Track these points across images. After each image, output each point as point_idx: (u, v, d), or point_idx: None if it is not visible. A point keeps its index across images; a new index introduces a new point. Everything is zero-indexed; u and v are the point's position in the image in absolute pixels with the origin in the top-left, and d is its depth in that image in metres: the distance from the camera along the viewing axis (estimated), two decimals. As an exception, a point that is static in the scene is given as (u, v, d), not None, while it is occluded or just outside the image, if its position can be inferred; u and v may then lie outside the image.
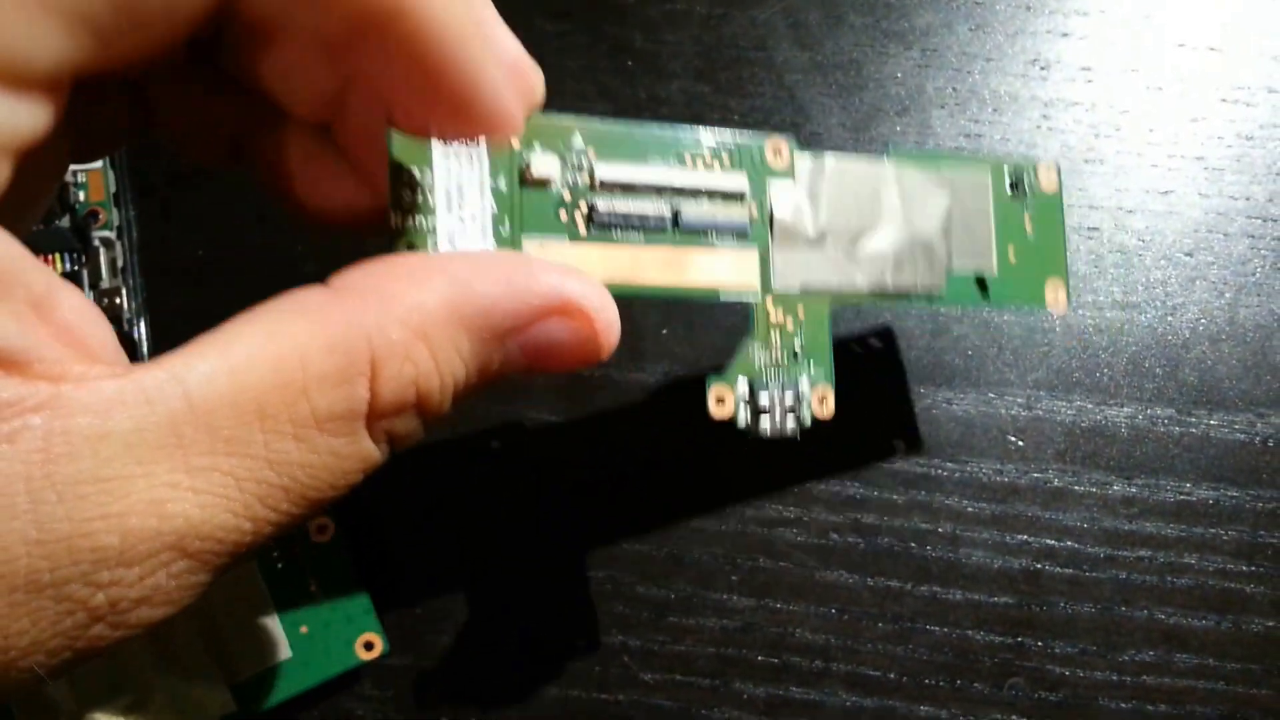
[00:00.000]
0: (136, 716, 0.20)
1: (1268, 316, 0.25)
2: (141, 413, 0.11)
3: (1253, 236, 0.25)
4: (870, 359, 0.24)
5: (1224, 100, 0.26)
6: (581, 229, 0.16)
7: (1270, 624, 0.23)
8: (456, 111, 0.14)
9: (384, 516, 0.23)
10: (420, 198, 0.15)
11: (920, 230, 0.19)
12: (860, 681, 0.23)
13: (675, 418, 0.24)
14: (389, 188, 0.14)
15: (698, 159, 0.17)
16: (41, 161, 0.13)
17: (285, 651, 0.21)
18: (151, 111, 0.16)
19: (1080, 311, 0.25)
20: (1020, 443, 0.24)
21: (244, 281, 0.25)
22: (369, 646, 0.22)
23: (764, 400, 0.17)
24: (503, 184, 0.15)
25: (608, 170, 0.16)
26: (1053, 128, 0.25)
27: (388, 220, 0.15)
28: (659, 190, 0.17)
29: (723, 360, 0.24)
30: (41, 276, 0.12)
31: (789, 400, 0.17)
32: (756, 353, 0.18)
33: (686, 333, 0.24)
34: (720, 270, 0.17)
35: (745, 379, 0.17)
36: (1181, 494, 0.24)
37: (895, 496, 0.24)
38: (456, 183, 0.15)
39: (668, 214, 0.17)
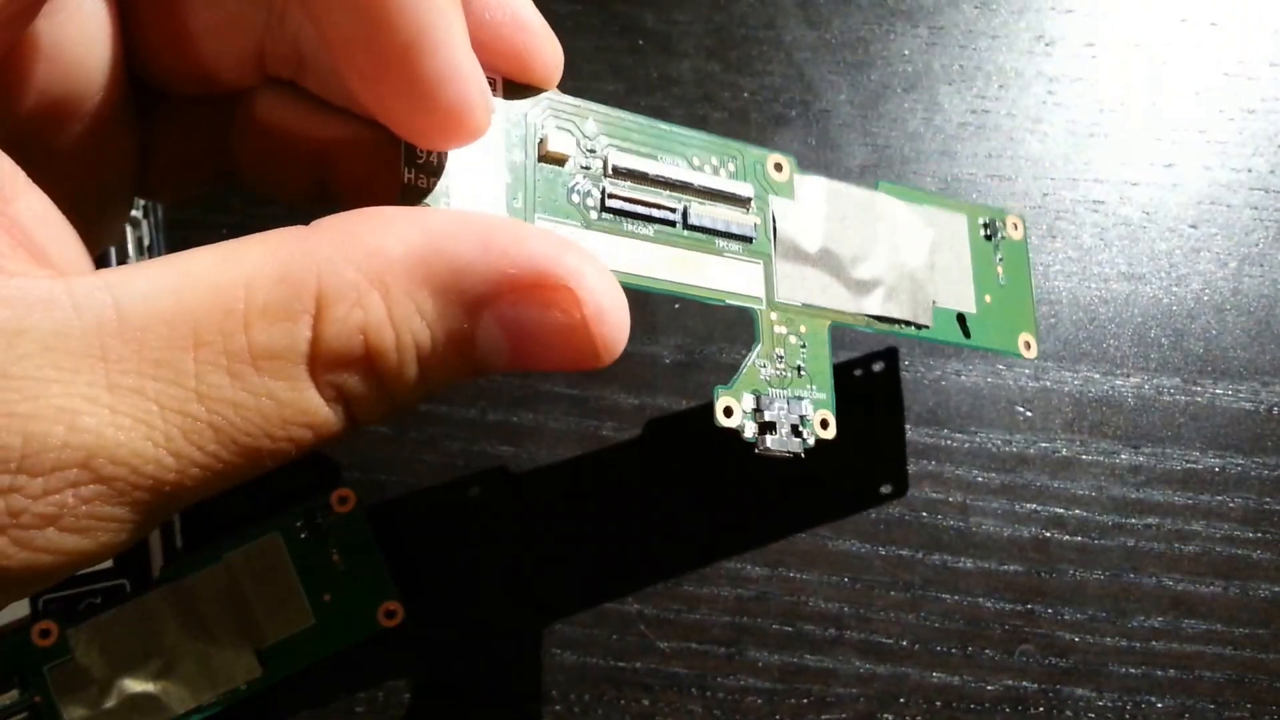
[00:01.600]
0: (166, 682, 0.21)
1: (1271, 286, 0.25)
2: (65, 316, 0.10)
3: (1255, 208, 0.25)
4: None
5: (1226, 74, 0.26)
6: (594, 215, 0.16)
7: (1277, 589, 0.23)
8: (400, 90, 0.12)
9: (403, 487, 0.24)
10: (434, 158, 0.14)
11: (908, 263, 0.19)
12: (873, 649, 0.23)
13: (689, 393, 0.24)
14: (403, 145, 0.14)
15: (705, 164, 0.17)
16: (86, 165, 0.13)
17: (309, 619, 0.22)
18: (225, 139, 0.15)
19: (1087, 283, 0.25)
20: (1028, 413, 0.24)
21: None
22: (390, 614, 0.22)
23: (769, 416, 0.17)
24: (518, 156, 0.15)
25: (622, 158, 0.16)
26: (1058, 102, 0.26)
27: (399, 175, 0.14)
28: (669, 185, 0.17)
29: (734, 335, 0.24)
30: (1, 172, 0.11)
31: (794, 418, 0.17)
32: (762, 366, 0.17)
33: (700, 306, 0.25)
34: (727, 276, 0.17)
35: (752, 394, 0.17)
36: (1188, 462, 0.24)
37: (906, 466, 0.24)
38: (476, 149, 0.14)
39: (678, 210, 0.17)
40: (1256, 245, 0.25)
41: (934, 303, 0.20)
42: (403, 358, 0.12)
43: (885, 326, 0.19)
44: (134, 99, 0.15)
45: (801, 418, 0.18)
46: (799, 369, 0.18)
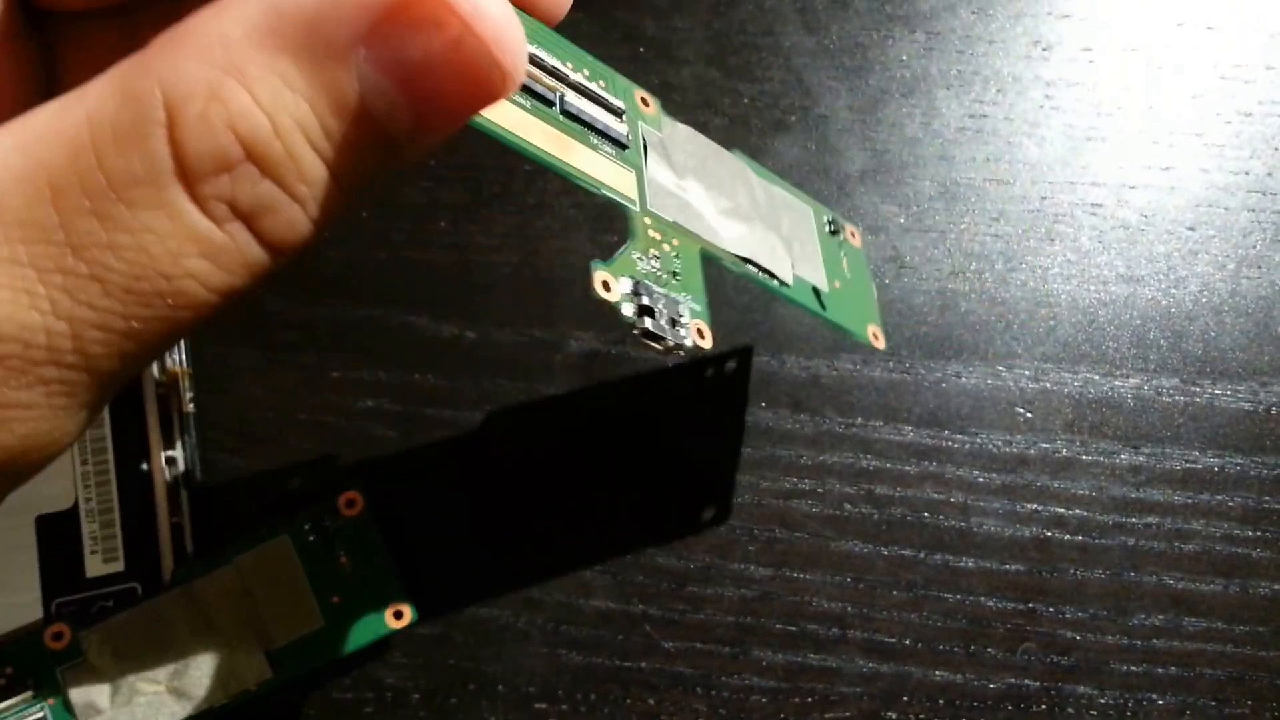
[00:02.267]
0: (177, 684, 0.21)
1: (1269, 288, 0.25)
2: None
3: (1253, 210, 0.26)
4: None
5: (1223, 78, 0.26)
6: None
7: (1277, 587, 0.24)
8: None
9: (410, 490, 0.24)
10: None
11: (768, 222, 0.19)
12: (876, 648, 0.23)
13: (693, 392, 0.25)
14: None
15: (580, 70, 0.17)
16: None
17: (318, 621, 0.22)
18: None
19: (1086, 286, 0.25)
20: (1029, 414, 0.25)
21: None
22: (398, 616, 0.22)
23: (647, 301, 0.16)
24: None
25: None
26: (1056, 107, 0.26)
27: None
28: (548, 72, 0.16)
29: (736, 338, 0.25)
30: None
31: (671, 313, 0.17)
32: (638, 258, 0.17)
33: (701, 311, 0.25)
34: (602, 168, 0.17)
35: (630, 278, 0.16)
36: (1188, 462, 0.24)
37: (908, 468, 0.24)
38: None
39: (555, 94, 0.16)
40: (1254, 247, 0.25)
41: (792, 268, 0.19)
42: (288, 143, 0.10)
43: (751, 271, 0.19)
44: (26, 22, 0.14)
45: (678, 316, 0.17)
46: (674, 274, 0.17)
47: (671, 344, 0.17)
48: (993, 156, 0.26)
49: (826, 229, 0.21)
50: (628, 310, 0.16)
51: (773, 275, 0.19)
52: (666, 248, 0.17)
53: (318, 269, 0.25)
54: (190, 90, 0.10)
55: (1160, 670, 0.23)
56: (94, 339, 0.10)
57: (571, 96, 0.17)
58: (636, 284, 0.16)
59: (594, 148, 0.17)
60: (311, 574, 0.22)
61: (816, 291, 0.20)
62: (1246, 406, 0.25)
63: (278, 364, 0.25)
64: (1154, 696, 0.23)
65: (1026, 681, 0.23)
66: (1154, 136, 0.26)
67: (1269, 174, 0.26)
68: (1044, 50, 0.26)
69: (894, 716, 0.23)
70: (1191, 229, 0.26)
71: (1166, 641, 0.23)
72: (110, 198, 0.10)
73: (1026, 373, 0.25)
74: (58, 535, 0.23)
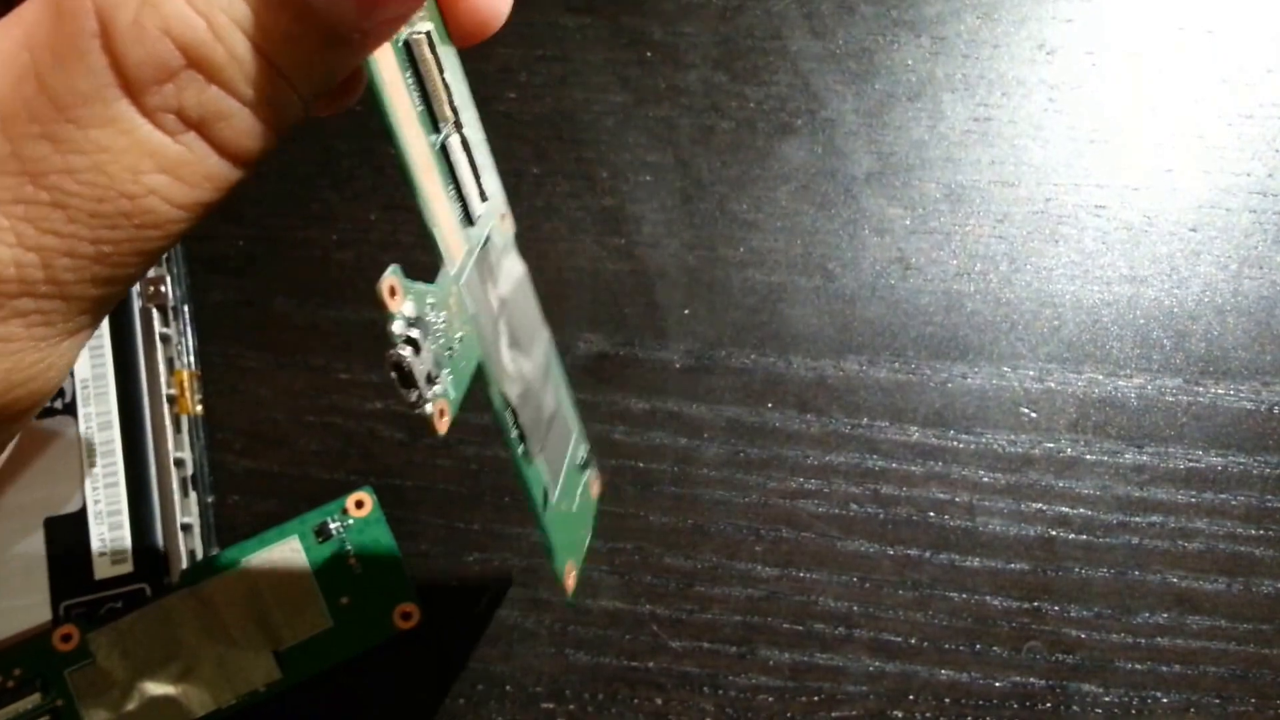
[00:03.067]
0: (185, 685, 0.21)
1: (1270, 288, 0.25)
2: None
3: (1254, 211, 0.26)
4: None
5: (1224, 81, 0.26)
6: (397, 60, 0.14)
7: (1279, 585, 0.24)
8: None
9: (418, 491, 0.24)
10: None
11: (543, 398, 0.19)
12: (882, 647, 0.23)
13: (699, 397, 0.25)
14: None
15: (482, 131, 0.17)
16: None
17: (327, 621, 0.22)
18: None
19: (1089, 286, 0.26)
20: (1033, 414, 0.25)
21: (283, 270, 0.25)
22: (406, 616, 0.22)
23: (418, 337, 0.15)
24: None
25: (449, 70, 0.15)
26: (1059, 110, 0.26)
27: None
28: (453, 105, 0.16)
29: (743, 340, 0.25)
30: None
31: (432, 370, 0.16)
32: (431, 304, 0.16)
33: (709, 313, 0.25)
34: (444, 213, 0.16)
35: (414, 305, 0.15)
36: (1191, 461, 0.24)
37: (913, 468, 0.24)
38: None
39: (444, 129, 0.16)
40: (1255, 248, 0.26)
41: (541, 452, 0.19)
42: (229, 45, 0.10)
43: (506, 420, 0.17)
44: None
45: (435, 378, 0.16)
46: (452, 350, 0.16)
47: (417, 397, 0.15)
48: (997, 159, 0.26)
49: (579, 459, 0.20)
50: (397, 329, 0.15)
51: (524, 438, 0.18)
52: (456, 327, 0.16)
53: (326, 271, 0.25)
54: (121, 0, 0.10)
55: (1164, 668, 0.23)
56: (65, 266, 0.10)
57: (455, 143, 0.16)
58: (420, 318, 0.15)
59: (447, 195, 0.16)
60: (320, 575, 0.22)
61: (545, 492, 0.19)
62: (1249, 406, 0.25)
63: (286, 366, 0.25)
64: (1158, 695, 0.23)
65: (1032, 680, 0.23)
66: (1156, 139, 0.26)
67: (1270, 175, 0.26)
68: (1048, 54, 0.27)
69: (900, 715, 0.23)
70: (1194, 230, 0.26)
71: (1170, 640, 0.24)
72: (59, 119, 0.10)
73: (1031, 373, 0.25)
74: (66, 537, 0.23)
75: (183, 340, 0.25)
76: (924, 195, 0.26)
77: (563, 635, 0.23)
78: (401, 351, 0.15)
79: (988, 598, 0.24)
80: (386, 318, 0.15)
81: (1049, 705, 0.23)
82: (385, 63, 0.14)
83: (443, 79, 0.16)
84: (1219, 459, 0.24)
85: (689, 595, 0.24)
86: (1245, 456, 0.24)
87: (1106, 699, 0.23)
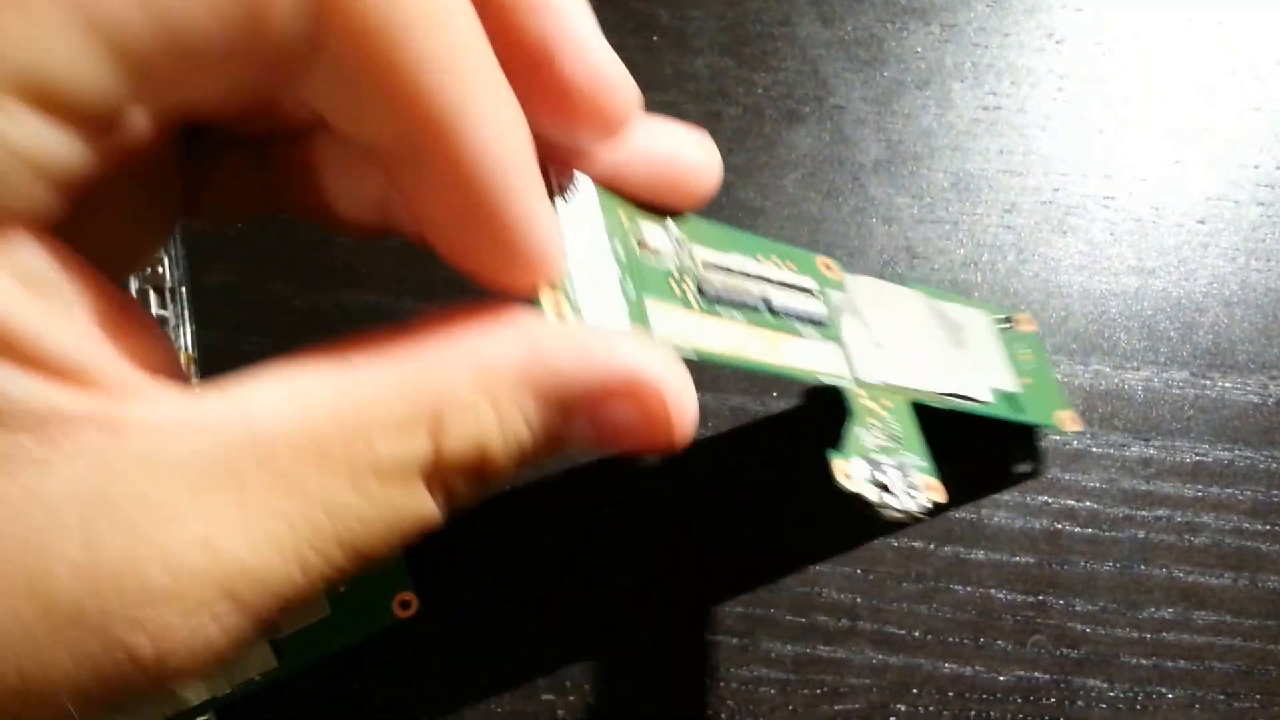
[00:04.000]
0: (181, 671, 0.21)
1: (1278, 281, 0.25)
2: (201, 441, 0.11)
3: (1263, 204, 0.26)
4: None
5: (1233, 73, 0.26)
6: (694, 302, 0.17)
7: (1286, 581, 0.24)
8: (493, 248, 0.13)
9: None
10: None
11: (955, 346, 0.21)
12: (886, 639, 0.23)
13: (703, 386, 0.25)
14: None
15: (768, 260, 0.19)
16: (124, 202, 0.13)
17: (324, 610, 0.22)
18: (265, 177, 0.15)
19: (1097, 278, 0.25)
20: (1039, 406, 0.25)
21: (283, 255, 0.25)
22: (405, 605, 0.22)
23: (881, 478, 0.18)
24: (620, 249, 0.16)
25: (708, 254, 0.17)
26: (1068, 100, 0.26)
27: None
28: (749, 277, 0.18)
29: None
30: (107, 290, 0.12)
31: (905, 481, 0.18)
32: (862, 435, 0.18)
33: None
34: (813, 356, 0.18)
35: (862, 459, 0.17)
36: (1198, 454, 0.24)
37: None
38: (585, 238, 0.15)
39: (762, 298, 0.18)
40: (1264, 240, 0.25)
41: (986, 382, 0.21)
42: (507, 458, 0.13)
43: (954, 403, 0.20)
44: (183, 141, 0.15)
45: (912, 481, 0.18)
46: (896, 437, 0.19)
47: (914, 512, 0.18)
48: (1006, 148, 0.26)
49: (1000, 328, 0.23)
50: (872, 496, 0.17)
51: (971, 399, 0.20)
52: (882, 412, 0.19)
53: (327, 256, 0.25)
54: (459, 410, 0.12)
55: (1170, 664, 0.23)
56: (315, 586, 0.11)
57: (774, 293, 0.18)
58: (870, 462, 0.18)
59: (801, 335, 0.18)
60: (318, 561, 0.22)
61: (1011, 397, 0.21)
62: (1255, 399, 0.25)
63: (285, 350, 0.25)
64: (1163, 690, 0.23)
65: (1036, 674, 0.23)
66: (1165, 130, 0.26)
67: (1278, 168, 0.26)
68: (1057, 43, 0.26)
69: (903, 709, 0.23)
70: (1202, 222, 0.26)
71: (1176, 635, 0.23)
72: (369, 474, 0.11)
73: (1038, 365, 0.25)
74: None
75: (180, 323, 0.24)
76: (931, 184, 0.26)
77: (562, 625, 0.23)
78: (886, 505, 0.17)
79: (992, 591, 0.24)
80: (856, 497, 0.17)
81: (1053, 700, 0.23)
82: (711, 339, 0.17)
83: (731, 274, 0.18)
84: (1226, 453, 0.24)
85: (690, 585, 0.23)
86: (1252, 451, 0.24)
87: (1111, 694, 0.23)
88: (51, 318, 0.10)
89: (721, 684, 0.23)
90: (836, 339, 0.19)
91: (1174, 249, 0.25)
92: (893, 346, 0.20)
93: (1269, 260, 0.25)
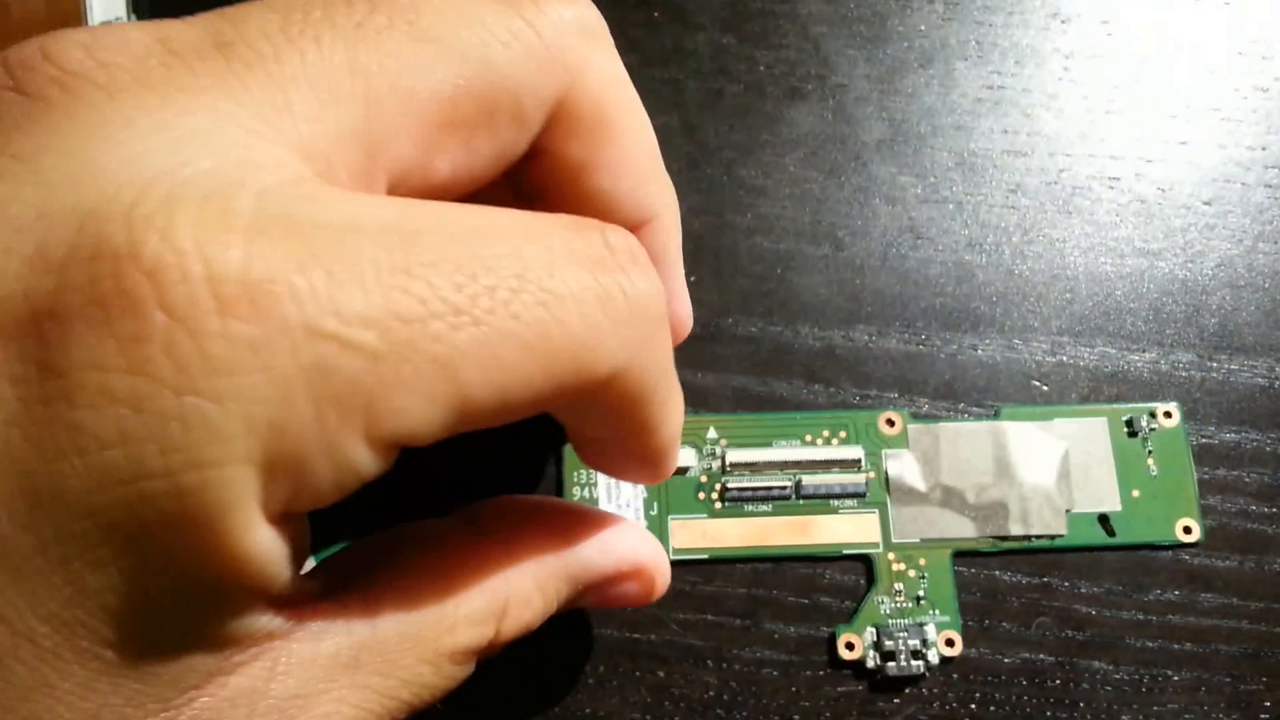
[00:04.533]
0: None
1: (1286, 263, 0.25)
2: (341, 639, 0.13)
3: (1269, 186, 0.25)
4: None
5: (1240, 53, 0.26)
6: (717, 505, 0.21)
7: (1292, 563, 0.23)
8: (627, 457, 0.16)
9: (422, 466, 0.23)
10: (586, 493, 0.21)
11: (1038, 480, 0.21)
12: (889, 622, 0.23)
13: (704, 365, 0.24)
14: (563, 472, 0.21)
15: (817, 438, 0.21)
16: None
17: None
18: None
19: (1103, 259, 0.25)
20: (1045, 387, 0.24)
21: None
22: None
23: (889, 645, 0.20)
24: None
25: (737, 454, 0.21)
26: (1073, 79, 0.26)
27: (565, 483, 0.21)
28: (782, 466, 0.21)
29: (750, 308, 0.24)
30: None
31: (914, 643, 0.20)
32: (880, 603, 0.20)
33: (715, 280, 0.25)
34: (841, 530, 0.20)
35: (872, 627, 0.19)
36: (1204, 437, 0.24)
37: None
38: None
39: (790, 485, 0.20)
40: (1271, 222, 0.25)
41: (1068, 510, 0.22)
42: (533, 626, 0.16)
43: (1015, 544, 0.21)
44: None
45: (924, 640, 0.20)
46: (919, 598, 0.20)
47: (913, 674, 0.20)
48: (1010, 128, 0.26)
49: (1125, 432, 0.23)
50: (871, 664, 0.19)
51: (1032, 538, 0.21)
52: (912, 573, 0.20)
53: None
54: (520, 600, 0.15)
55: (1176, 646, 0.23)
56: None
57: (807, 478, 0.20)
58: (879, 631, 0.20)
59: (834, 510, 0.21)
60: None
61: (1104, 518, 0.22)
62: (1262, 382, 0.24)
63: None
64: (1169, 672, 0.23)
65: (1041, 656, 0.23)
66: (1171, 110, 0.26)
67: (1285, 150, 0.26)
68: (1062, 22, 0.26)
69: (907, 690, 0.22)
70: (1208, 204, 0.25)
71: (1182, 617, 0.23)
72: (446, 657, 0.14)
73: (1043, 346, 0.25)
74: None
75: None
76: (935, 164, 0.26)
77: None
78: (885, 670, 0.20)
79: (997, 572, 0.23)
80: (858, 663, 0.20)
81: (1058, 682, 0.22)
82: (729, 538, 0.22)
83: (758, 470, 0.21)
84: (1232, 435, 0.24)
85: (693, 567, 0.23)
86: (1258, 433, 0.24)
87: (1116, 676, 0.23)
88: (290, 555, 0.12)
89: (724, 665, 0.23)
90: (879, 502, 0.21)
91: (1180, 231, 0.25)
92: (951, 497, 0.21)
93: (1276, 243, 0.25)
